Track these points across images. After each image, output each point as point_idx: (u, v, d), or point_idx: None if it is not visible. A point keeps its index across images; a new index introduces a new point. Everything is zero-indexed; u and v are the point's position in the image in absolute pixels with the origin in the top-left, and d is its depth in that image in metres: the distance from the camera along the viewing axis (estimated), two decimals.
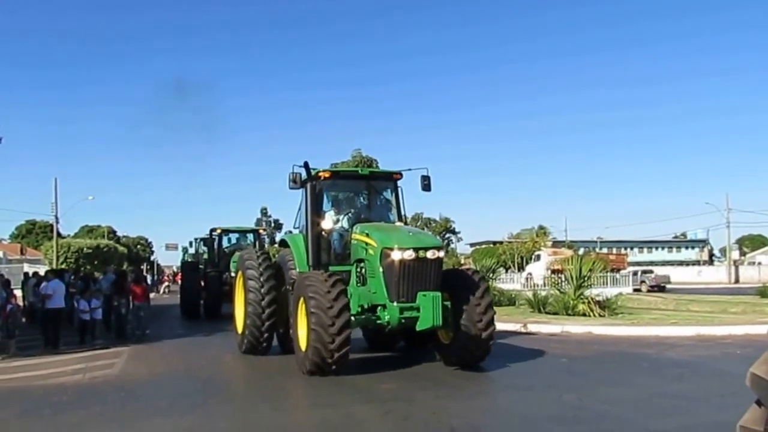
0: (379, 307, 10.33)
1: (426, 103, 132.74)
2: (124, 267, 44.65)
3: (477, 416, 7.54)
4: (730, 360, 11.31)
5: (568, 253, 40.09)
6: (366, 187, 12.41)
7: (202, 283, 24.41)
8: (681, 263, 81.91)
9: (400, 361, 11.64)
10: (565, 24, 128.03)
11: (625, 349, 12.86)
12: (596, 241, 79.92)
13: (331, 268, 10.90)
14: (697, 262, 78.78)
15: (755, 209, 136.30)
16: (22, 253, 57.14)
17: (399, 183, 12.08)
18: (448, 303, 9.92)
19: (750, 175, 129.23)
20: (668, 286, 45.41)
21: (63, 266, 39.72)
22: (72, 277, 22.09)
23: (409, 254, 9.81)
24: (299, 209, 12.21)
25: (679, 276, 50.61)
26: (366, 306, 10.48)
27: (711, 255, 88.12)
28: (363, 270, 10.75)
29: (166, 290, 49.30)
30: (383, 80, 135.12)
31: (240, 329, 12.66)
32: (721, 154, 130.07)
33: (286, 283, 11.97)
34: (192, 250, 34.53)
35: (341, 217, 11.71)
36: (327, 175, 11.63)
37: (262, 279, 11.96)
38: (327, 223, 11.49)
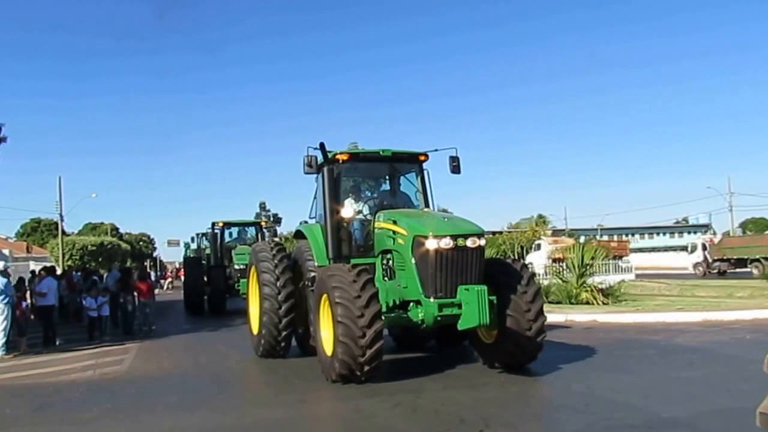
0: (412, 304, 9.40)
1: (420, 93, 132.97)
2: (128, 264, 44.82)
3: (486, 407, 7.49)
4: (740, 345, 11.35)
5: (569, 241, 40.02)
6: (388, 170, 11.34)
7: (206, 279, 24.39)
8: (683, 248, 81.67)
9: (419, 357, 11.32)
10: (561, 6, 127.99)
11: (632, 337, 12.89)
12: (597, 229, 79.99)
13: (353, 261, 9.83)
14: None
15: (758, 192, 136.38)
16: (28, 251, 57.17)
17: (425, 165, 11.11)
18: (493, 298, 8.84)
19: (752, 157, 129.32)
20: (671, 271, 45.64)
21: (68, 263, 39.85)
22: (80, 275, 22.19)
23: (446, 243, 8.81)
24: (314, 197, 11.44)
25: (681, 261, 50.42)
26: (395, 302, 9.49)
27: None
28: (390, 262, 9.89)
29: (170, 286, 49.43)
30: (377, 68, 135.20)
31: (255, 330, 11.65)
32: (722, 137, 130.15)
33: (304, 278, 11.09)
34: (194, 246, 34.54)
35: (362, 204, 10.81)
36: (345, 157, 10.53)
37: (277, 273, 11.03)
38: (347, 211, 10.49)
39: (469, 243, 8.93)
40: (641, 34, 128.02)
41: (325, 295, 9.11)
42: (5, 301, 13.45)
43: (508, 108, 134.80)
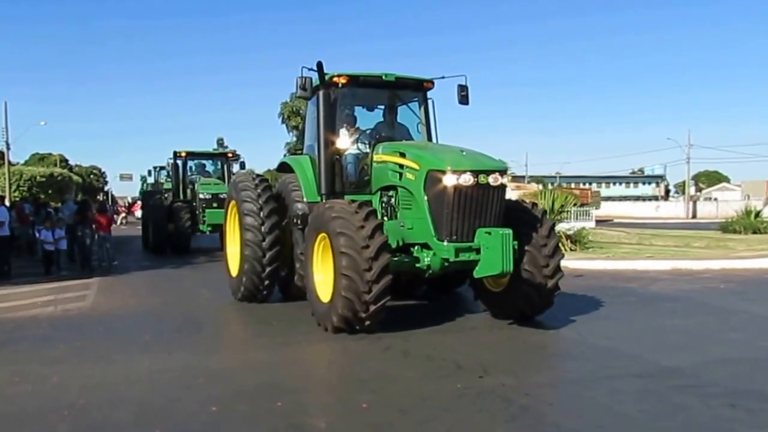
0: (417, 247, 8.60)
1: (383, 31, 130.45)
2: (79, 197, 43.32)
3: (480, 352, 7.25)
4: (717, 294, 11.45)
5: (532, 188, 40.26)
6: (388, 98, 10.25)
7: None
8: (638, 198, 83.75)
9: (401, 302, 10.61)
10: None
11: (608, 284, 12.90)
12: (555, 177, 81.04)
13: (347, 198, 8.96)
14: (654, 198, 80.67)
15: (714, 145, 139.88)
16: None
17: (429, 94, 10.20)
18: (515, 243, 7.83)
19: (711, 111, 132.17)
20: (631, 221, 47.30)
21: (15, 195, 38.26)
22: (31, 208, 21.14)
23: (467, 179, 7.88)
24: (305, 125, 10.42)
25: (637, 211, 51.91)
26: (398, 245, 8.56)
27: (667, 191, 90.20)
28: (392, 200, 9.14)
29: (124, 221, 48.04)
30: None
31: (235, 272, 10.77)
32: (683, 90, 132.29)
33: (290, 215, 10.16)
34: (151, 180, 33.19)
35: (357, 135, 9.87)
36: (344, 80, 9.46)
37: (261, 207, 10.16)
38: (344, 141, 9.58)
39: (491, 180, 8.04)
40: None
41: (322, 234, 8.28)
42: None
43: (468, 51, 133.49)
